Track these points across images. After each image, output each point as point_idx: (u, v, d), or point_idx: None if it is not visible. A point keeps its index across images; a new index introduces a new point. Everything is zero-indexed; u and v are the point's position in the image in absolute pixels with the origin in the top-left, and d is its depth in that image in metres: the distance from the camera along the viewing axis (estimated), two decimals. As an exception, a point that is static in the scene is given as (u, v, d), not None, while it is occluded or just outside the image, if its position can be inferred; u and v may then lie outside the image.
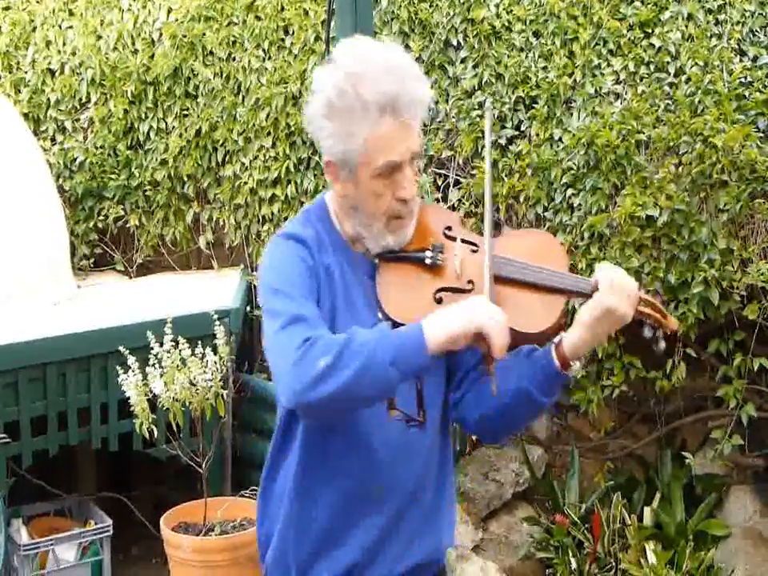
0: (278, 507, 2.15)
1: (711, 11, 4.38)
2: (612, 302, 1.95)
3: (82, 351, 4.14)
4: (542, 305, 2.01)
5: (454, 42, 4.65)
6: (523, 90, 4.41)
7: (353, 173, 2.02)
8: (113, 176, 5.47)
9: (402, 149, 2.00)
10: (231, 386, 4.34)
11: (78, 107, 5.68)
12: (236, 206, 5.15)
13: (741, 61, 4.18)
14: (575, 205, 4.15)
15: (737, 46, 4.24)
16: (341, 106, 1.98)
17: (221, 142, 5.17)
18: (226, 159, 5.20)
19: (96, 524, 4.36)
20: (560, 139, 4.25)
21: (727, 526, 4.20)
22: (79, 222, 5.55)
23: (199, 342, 4.01)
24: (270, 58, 5.13)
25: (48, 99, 5.70)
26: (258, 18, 5.22)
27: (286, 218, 4.85)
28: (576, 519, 4.23)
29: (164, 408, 3.93)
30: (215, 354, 4.01)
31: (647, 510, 4.22)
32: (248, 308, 4.72)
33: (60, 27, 5.83)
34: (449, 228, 2.12)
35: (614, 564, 4.08)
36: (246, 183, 5.08)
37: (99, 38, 5.66)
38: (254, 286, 4.61)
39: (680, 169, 3.97)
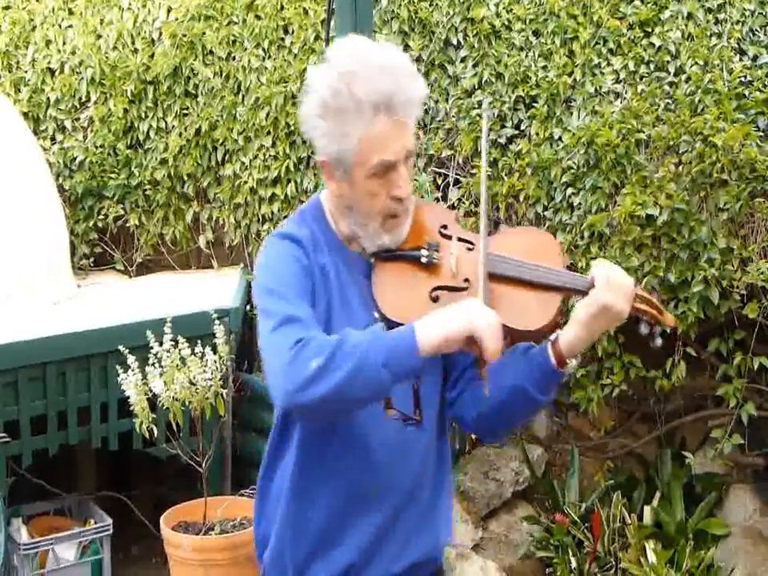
0: (275, 507, 2.14)
1: (711, 10, 4.38)
2: (608, 299, 1.95)
3: (81, 350, 4.14)
4: (538, 302, 2.01)
5: (454, 41, 4.65)
6: (523, 89, 4.41)
7: (347, 172, 2.01)
8: (113, 175, 5.47)
9: (396, 147, 1.99)
10: (231, 385, 4.34)
11: (78, 106, 5.68)
12: (236, 205, 5.15)
13: (741, 60, 4.18)
14: (575, 204, 4.15)
15: (737, 45, 4.24)
16: (335, 106, 1.97)
17: (221, 141, 5.17)
18: (226, 158, 5.20)
19: (96, 523, 4.36)
20: (560, 138, 4.25)
21: (727, 525, 4.19)
22: (79, 221, 5.55)
23: (199, 342, 4.01)
24: (269, 57, 5.13)
25: (48, 98, 5.70)
26: (257, 17, 5.22)
27: (285, 217, 4.85)
28: (576, 518, 4.23)
29: (164, 407, 3.93)
30: (215, 353, 4.01)
31: (647, 509, 4.22)
32: (248, 307, 4.72)
33: (60, 26, 5.83)
34: (444, 226, 2.12)
35: (613, 563, 4.08)
36: (245, 182, 5.08)
37: (99, 37, 5.67)
38: (254, 286, 4.60)
39: (680, 168, 3.97)
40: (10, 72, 5.85)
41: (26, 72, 5.80)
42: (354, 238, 2.09)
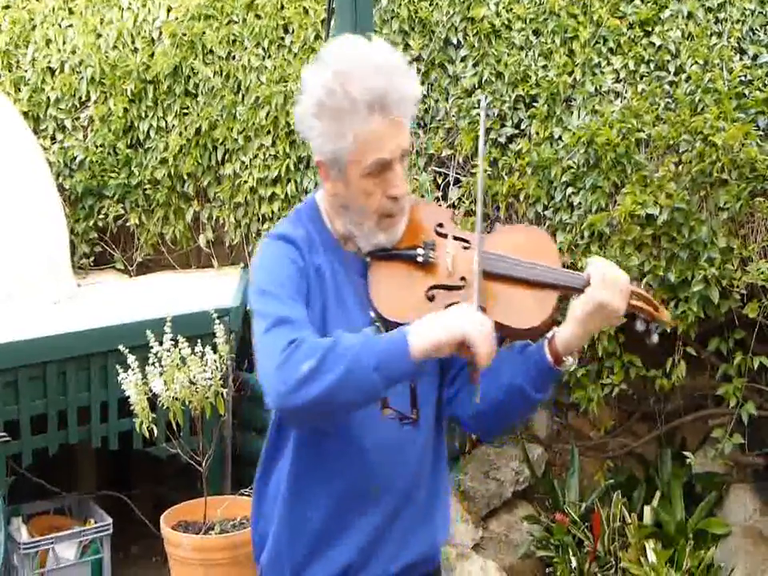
0: (272, 508, 2.15)
1: (711, 9, 4.38)
2: (604, 296, 1.95)
3: (81, 350, 4.14)
4: (534, 301, 2.01)
5: (454, 41, 4.65)
6: (523, 89, 4.41)
7: (343, 172, 2.01)
8: (113, 174, 5.47)
9: (392, 146, 1.99)
10: (231, 384, 4.34)
11: (78, 106, 5.67)
12: (236, 204, 5.15)
13: (741, 59, 4.19)
14: (575, 203, 4.15)
15: (737, 45, 4.24)
16: (330, 105, 1.98)
17: (221, 140, 5.17)
18: (226, 158, 5.20)
19: (96, 522, 4.36)
20: (560, 138, 4.25)
21: (727, 525, 4.20)
22: (79, 220, 5.55)
23: (199, 341, 4.01)
24: (269, 56, 5.13)
25: (48, 98, 5.70)
26: (257, 16, 5.22)
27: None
28: (576, 518, 4.23)
29: (164, 407, 3.92)
30: (215, 352, 4.01)
31: (647, 509, 4.22)
32: (248, 306, 4.72)
33: (60, 26, 5.83)
34: (440, 225, 2.11)
35: (614, 563, 4.08)
36: (245, 182, 5.08)
37: (99, 36, 5.66)
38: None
39: (680, 167, 3.97)
40: (10, 71, 5.85)
41: (26, 71, 5.80)
42: (349, 238, 2.09)
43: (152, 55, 5.45)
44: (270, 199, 5.01)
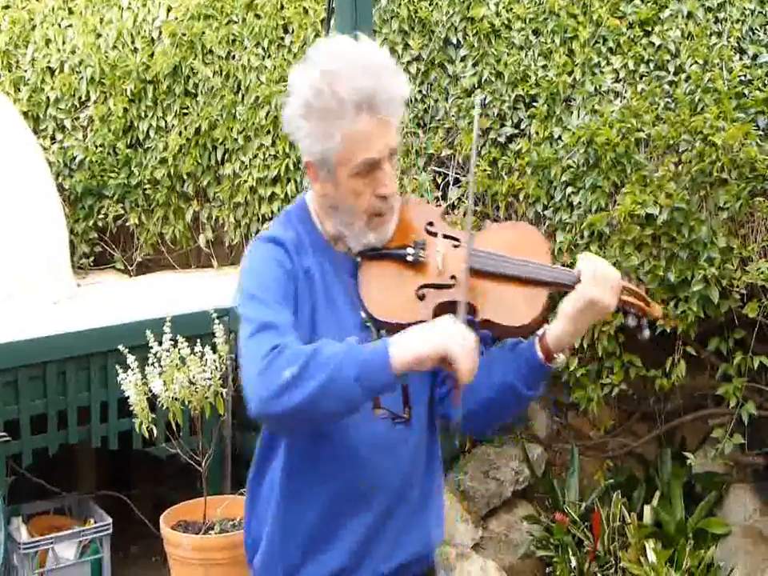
0: (265, 509, 2.14)
1: (711, 9, 4.39)
2: (595, 293, 1.95)
3: (81, 350, 4.14)
4: (524, 298, 2.00)
5: (454, 41, 4.65)
6: (523, 89, 4.41)
7: (332, 172, 2.01)
8: (112, 174, 5.47)
9: (380, 146, 1.98)
10: (231, 384, 4.33)
11: (78, 106, 5.68)
12: (236, 204, 5.15)
13: (741, 59, 4.19)
14: (575, 203, 4.15)
15: (736, 45, 4.24)
16: (318, 106, 1.97)
17: (220, 140, 5.17)
18: (226, 158, 5.20)
19: (96, 522, 4.36)
20: (560, 137, 4.25)
21: (727, 525, 4.20)
22: (79, 220, 5.55)
23: (198, 341, 4.01)
24: (269, 56, 5.13)
25: (47, 98, 5.70)
26: (257, 16, 5.22)
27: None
28: (576, 517, 4.23)
29: (163, 407, 3.92)
30: (214, 352, 4.00)
31: (647, 509, 4.22)
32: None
33: (59, 26, 5.83)
34: (431, 223, 2.11)
35: (613, 562, 4.08)
36: (245, 182, 5.08)
37: (99, 36, 5.67)
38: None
39: (680, 167, 3.97)
40: (9, 71, 5.86)
41: (26, 71, 5.80)
42: (339, 238, 2.08)
43: (152, 55, 5.45)
44: (270, 199, 5.01)
